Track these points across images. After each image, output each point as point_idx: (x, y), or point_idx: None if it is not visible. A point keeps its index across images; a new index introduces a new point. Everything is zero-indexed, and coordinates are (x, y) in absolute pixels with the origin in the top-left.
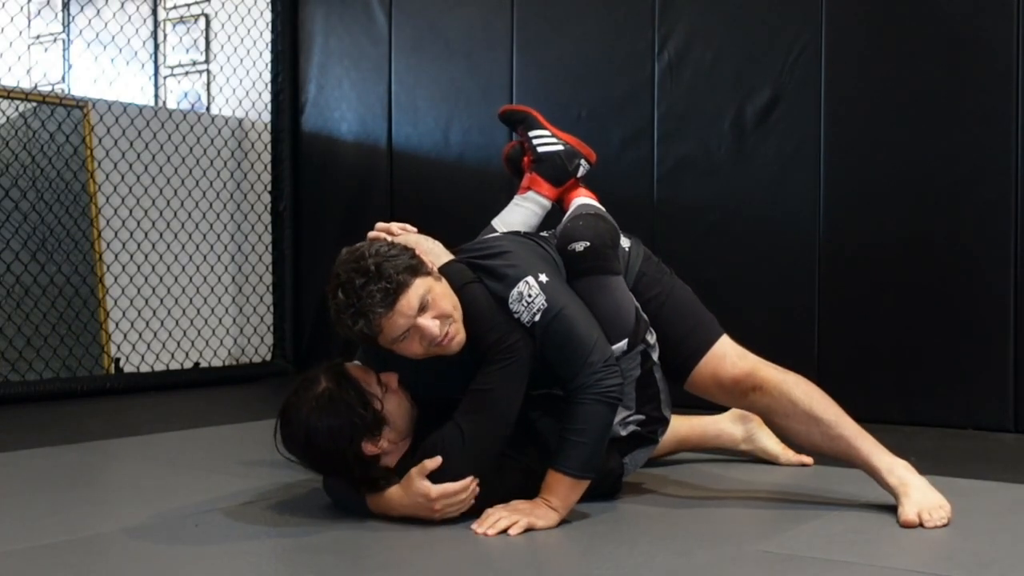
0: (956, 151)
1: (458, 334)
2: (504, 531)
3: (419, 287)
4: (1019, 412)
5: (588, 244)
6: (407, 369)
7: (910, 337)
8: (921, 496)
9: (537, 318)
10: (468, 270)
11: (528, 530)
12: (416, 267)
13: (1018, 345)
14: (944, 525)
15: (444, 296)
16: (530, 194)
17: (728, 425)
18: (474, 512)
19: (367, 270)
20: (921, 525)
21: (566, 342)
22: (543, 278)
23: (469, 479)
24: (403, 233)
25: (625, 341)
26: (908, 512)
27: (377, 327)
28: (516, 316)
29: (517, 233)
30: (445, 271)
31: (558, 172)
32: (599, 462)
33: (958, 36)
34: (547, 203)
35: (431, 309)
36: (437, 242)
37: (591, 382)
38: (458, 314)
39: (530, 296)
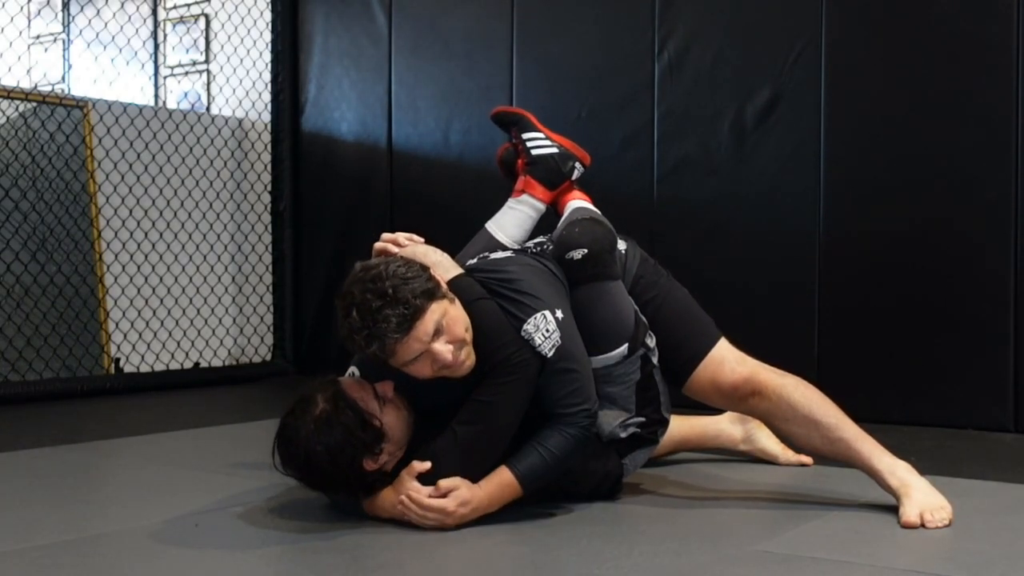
0: (956, 151)
1: (469, 358)
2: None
3: (435, 312)
4: (1019, 412)
5: (586, 252)
6: (403, 376)
7: (910, 337)
8: (923, 497)
9: (551, 354)
10: (478, 285)
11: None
12: (432, 291)
13: (1018, 345)
14: (946, 526)
15: (458, 320)
16: (524, 197)
17: (727, 425)
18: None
19: (384, 293)
20: (923, 526)
21: (570, 383)
22: (559, 314)
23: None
24: (410, 244)
25: (625, 346)
26: (910, 513)
27: (391, 351)
28: (527, 340)
29: (524, 252)
30: (455, 286)
31: (552, 175)
32: (541, 488)
33: (958, 36)
34: (541, 206)
35: (445, 334)
36: (445, 254)
37: (583, 423)
38: (470, 336)
39: (547, 331)
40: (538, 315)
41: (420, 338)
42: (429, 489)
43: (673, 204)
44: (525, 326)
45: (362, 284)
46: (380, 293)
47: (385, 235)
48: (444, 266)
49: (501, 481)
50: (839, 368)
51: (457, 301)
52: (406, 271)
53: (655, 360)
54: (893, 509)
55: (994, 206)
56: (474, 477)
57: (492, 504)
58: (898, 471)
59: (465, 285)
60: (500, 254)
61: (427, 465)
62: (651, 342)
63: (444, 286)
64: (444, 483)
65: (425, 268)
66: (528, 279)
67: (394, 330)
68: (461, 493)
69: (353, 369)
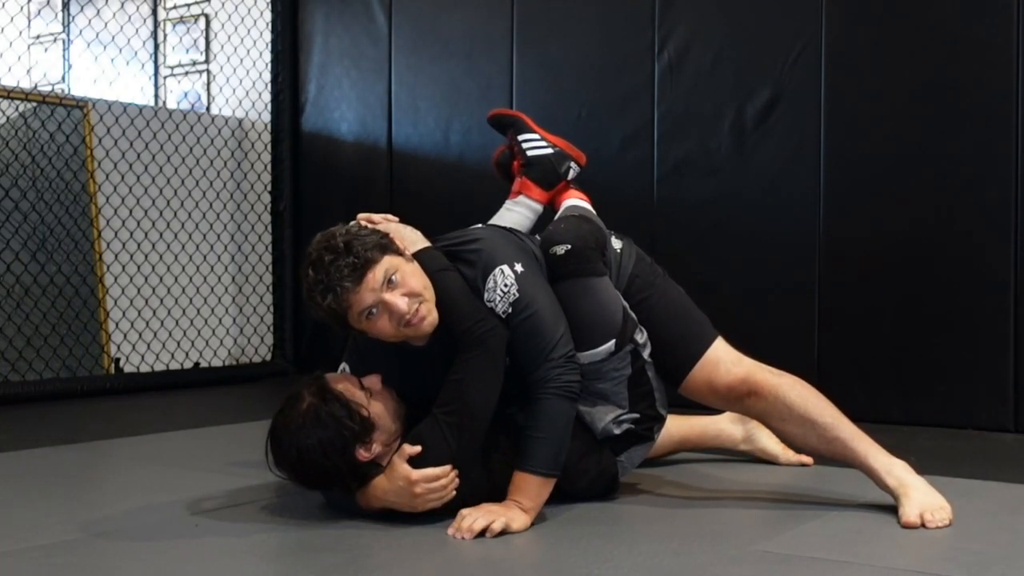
0: (956, 151)
1: (429, 314)
2: (481, 533)
3: (387, 263)
4: (1019, 412)
5: (569, 247)
6: (393, 370)
7: (910, 337)
8: (922, 497)
9: (509, 309)
10: (442, 257)
11: (504, 532)
12: (386, 245)
13: (1018, 345)
14: (946, 526)
15: (414, 275)
16: (521, 198)
17: (727, 425)
18: (460, 506)
19: (336, 247)
20: (923, 526)
21: (531, 335)
22: (518, 268)
23: (449, 466)
24: (384, 222)
25: (612, 342)
26: (910, 513)
27: (345, 302)
28: (490, 305)
29: (500, 227)
30: (419, 257)
31: (548, 176)
32: (564, 456)
33: (958, 36)
34: (538, 207)
35: (399, 287)
36: (416, 231)
37: (551, 376)
38: (429, 294)
39: (505, 286)
40: (496, 271)
41: (372, 287)
42: (429, 472)
43: (673, 204)
44: (488, 281)
45: (317, 244)
46: (332, 248)
47: (361, 215)
48: (412, 240)
49: (527, 487)
50: (839, 368)
51: (416, 263)
52: (359, 230)
53: (646, 355)
54: (893, 509)
55: (994, 206)
56: (462, 457)
57: (539, 506)
58: (895, 470)
59: (428, 257)
60: (471, 227)
61: (417, 449)
62: (640, 338)
63: (402, 246)
64: (496, 527)
65: (383, 232)
66: (487, 238)
67: (346, 278)
68: (507, 523)
69: (344, 365)
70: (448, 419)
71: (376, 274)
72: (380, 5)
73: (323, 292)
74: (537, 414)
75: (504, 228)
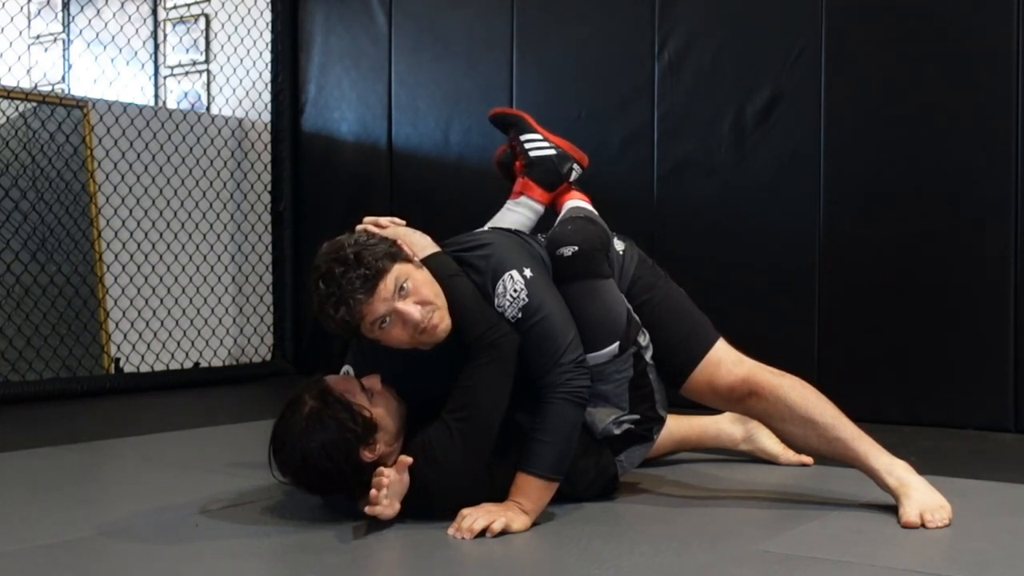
0: (956, 151)
1: (442, 321)
2: (482, 533)
3: (397, 272)
4: (1019, 412)
5: (576, 249)
6: (397, 370)
7: (910, 337)
8: (922, 496)
9: (519, 314)
10: (453, 262)
11: (504, 532)
12: (395, 254)
13: (1018, 345)
14: (945, 526)
15: (425, 283)
16: (523, 199)
17: (728, 425)
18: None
19: (346, 259)
20: (923, 526)
21: (542, 339)
22: (528, 273)
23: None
24: (391, 226)
25: (616, 344)
26: (910, 513)
27: (358, 313)
28: (500, 310)
29: (507, 230)
30: (429, 263)
31: (551, 176)
32: (569, 462)
33: (958, 36)
34: (540, 208)
35: (412, 295)
36: (425, 235)
37: (561, 381)
38: (441, 301)
39: (515, 291)
40: (505, 276)
41: (384, 297)
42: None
43: (673, 204)
44: (498, 286)
45: (326, 256)
46: (343, 260)
47: (367, 218)
48: (421, 245)
49: (529, 489)
50: (839, 368)
51: (425, 269)
52: (367, 239)
53: (648, 357)
54: (893, 509)
55: (994, 205)
56: (472, 464)
57: (541, 508)
58: (896, 470)
59: (439, 263)
60: (477, 230)
61: (409, 461)
62: (643, 340)
63: (411, 253)
64: (496, 527)
65: (392, 240)
66: (496, 243)
67: (359, 290)
68: (507, 523)
69: (347, 368)
70: (458, 424)
71: (387, 284)
72: (380, 5)
73: (335, 305)
74: (544, 417)
75: (510, 231)
